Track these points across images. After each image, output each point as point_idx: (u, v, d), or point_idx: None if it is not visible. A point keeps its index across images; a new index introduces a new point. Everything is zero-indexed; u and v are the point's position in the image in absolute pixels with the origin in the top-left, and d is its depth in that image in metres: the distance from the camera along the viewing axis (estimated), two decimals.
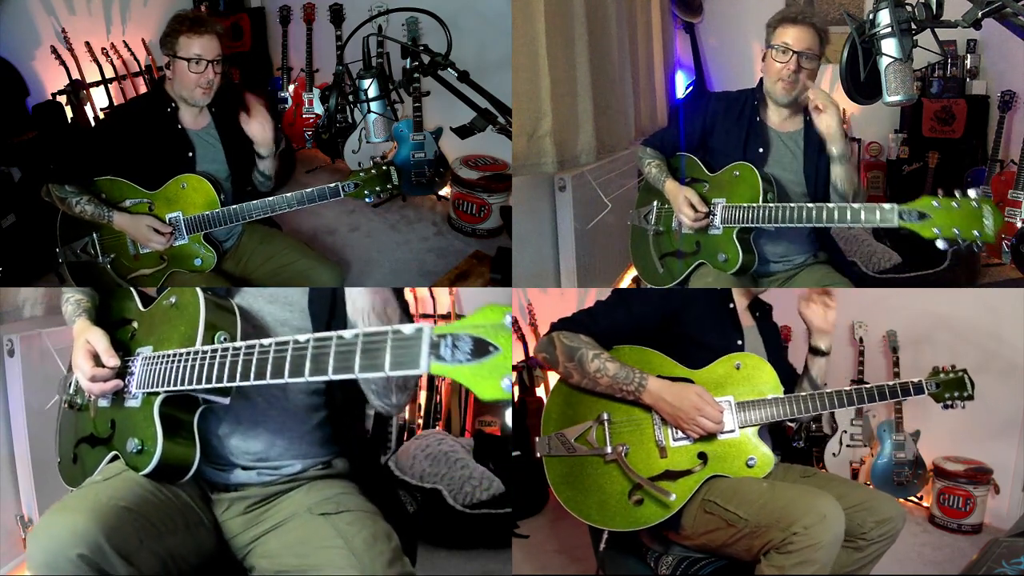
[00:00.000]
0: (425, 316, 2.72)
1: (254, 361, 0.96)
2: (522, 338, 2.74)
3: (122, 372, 1.18)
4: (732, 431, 1.39)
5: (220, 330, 1.13)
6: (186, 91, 1.73)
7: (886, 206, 1.45)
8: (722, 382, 1.42)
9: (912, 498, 2.52)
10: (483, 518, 2.25)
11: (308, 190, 1.69)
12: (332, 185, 1.69)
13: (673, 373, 1.42)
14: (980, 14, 1.23)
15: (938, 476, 2.42)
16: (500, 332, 0.76)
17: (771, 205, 1.62)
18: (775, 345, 1.58)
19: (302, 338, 0.90)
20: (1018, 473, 2.39)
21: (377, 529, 1.12)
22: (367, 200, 1.68)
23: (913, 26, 1.29)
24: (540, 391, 2.71)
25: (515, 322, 2.76)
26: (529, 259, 2.29)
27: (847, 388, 1.44)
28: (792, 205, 1.59)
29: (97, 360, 1.18)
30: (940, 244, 1.41)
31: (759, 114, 1.75)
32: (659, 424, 1.41)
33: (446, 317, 2.72)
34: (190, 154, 1.78)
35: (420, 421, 2.68)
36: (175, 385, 1.07)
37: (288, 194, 1.70)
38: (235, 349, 0.99)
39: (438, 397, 2.70)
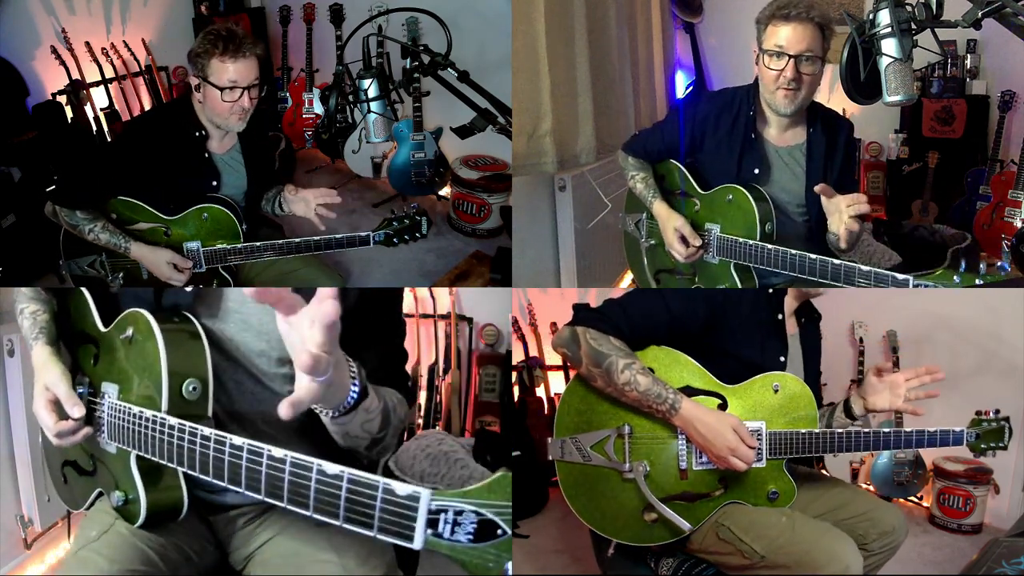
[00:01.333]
0: (425, 316, 2.72)
1: (226, 463, 0.84)
2: (522, 338, 2.74)
3: (91, 412, 1.08)
4: (759, 461, 1.31)
5: (187, 377, 1.00)
6: (219, 118, 1.62)
7: (900, 277, 1.30)
8: (756, 406, 1.32)
9: (912, 498, 2.52)
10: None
11: (338, 236, 1.65)
12: (364, 234, 1.66)
13: (704, 385, 1.33)
14: (980, 14, 1.22)
15: (938, 476, 2.42)
16: (506, 513, 0.68)
17: (772, 248, 1.46)
18: (813, 359, 1.47)
19: (277, 453, 0.80)
20: (1018, 473, 2.39)
21: (372, 542, 1.10)
22: (394, 245, 1.65)
23: (913, 26, 1.28)
24: (540, 391, 2.72)
25: (515, 322, 2.75)
26: (529, 259, 2.29)
27: (884, 430, 1.35)
28: (795, 253, 1.43)
29: (60, 408, 1.06)
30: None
31: (755, 127, 1.54)
32: (684, 446, 1.32)
33: (446, 317, 2.72)
34: (215, 183, 1.70)
35: (420, 421, 2.68)
36: (146, 454, 0.99)
37: (315, 237, 1.66)
38: (204, 439, 0.88)
39: (438, 397, 2.70)
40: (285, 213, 1.83)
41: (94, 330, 1.14)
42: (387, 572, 1.08)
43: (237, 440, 0.85)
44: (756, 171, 1.56)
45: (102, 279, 1.74)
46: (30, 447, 1.83)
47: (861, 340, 2.61)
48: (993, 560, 1.42)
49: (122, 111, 2.85)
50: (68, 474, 1.22)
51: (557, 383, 2.77)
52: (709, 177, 1.62)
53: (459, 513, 0.68)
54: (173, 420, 0.94)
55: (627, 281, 2.76)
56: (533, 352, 2.75)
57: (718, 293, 1.47)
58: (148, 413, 0.98)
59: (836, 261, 1.38)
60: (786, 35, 1.44)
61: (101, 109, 2.78)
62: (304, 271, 1.84)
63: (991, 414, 1.42)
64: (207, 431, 0.89)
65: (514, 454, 2.46)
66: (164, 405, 1.00)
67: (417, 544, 0.69)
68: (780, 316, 1.40)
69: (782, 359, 1.38)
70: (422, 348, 2.69)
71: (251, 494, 0.82)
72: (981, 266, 1.28)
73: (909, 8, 1.28)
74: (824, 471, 2.55)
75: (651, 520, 1.32)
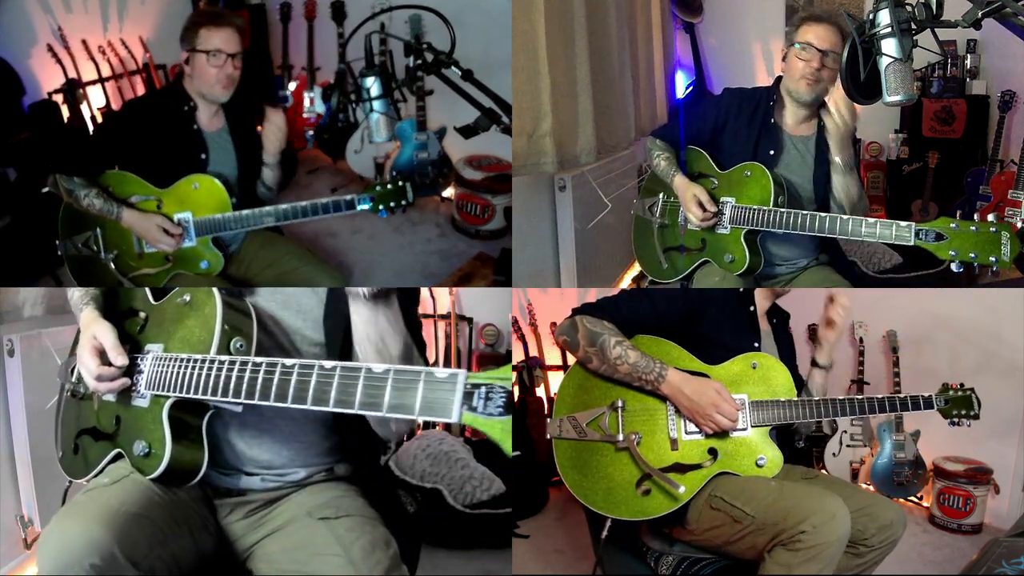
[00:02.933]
0: (425, 316, 2.72)
1: (275, 382, 0.92)
2: (522, 338, 2.74)
3: (130, 369, 1.14)
4: (744, 429, 1.40)
5: (236, 335, 1.08)
6: (206, 87, 1.71)
7: (902, 224, 1.44)
8: (737, 380, 1.43)
9: (912, 498, 2.52)
10: (483, 518, 2.25)
11: (323, 201, 1.67)
12: (348, 198, 1.67)
13: (690, 367, 1.42)
14: (980, 14, 1.22)
15: (938, 476, 2.42)
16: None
17: (783, 211, 1.61)
18: (788, 354, 1.59)
19: (328, 365, 0.88)
20: (1018, 473, 2.39)
21: (376, 536, 1.11)
22: (381, 215, 1.67)
23: (913, 26, 1.28)
24: (540, 391, 2.71)
25: (515, 322, 2.75)
26: (529, 259, 2.29)
27: (858, 396, 1.47)
28: (805, 213, 1.58)
29: (104, 357, 1.13)
30: (954, 267, 1.41)
31: (773, 115, 1.74)
32: (673, 416, 1.41)
33: (446, 317, 2.72)
34: (203, 156, 1.76)
35: (421, 421, 2.68)
36: (188, 393, 1.04)
37: (302, 203, 1.68)
38: (255, 365, 0.96)
39: None
40: (270, 183, 1.88)
41: (145, 305, 1.22)
42: (391, 566, 1.08)
43: (289, 361, 0.92)
44: (771, 152, 1.72)
45: (96, 256, 1.77)
46: (30, 447, 1.83)
47: (861, 340, 2.62)
48: (993, 560, 1.43)
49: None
50: (83, 442, 1.24)
51: (557, 383, 2.77)
52: (727, 157, 1.77)
53: (490, 388, 0.77)
54: (223, 356, 1.02)
55: (627, 281, 2.76)
56: (533, 352, 2.75)
57: (694, 291, 1.69)
58: (197, 356, 1.05)
59: (844, 217, 1.54)
60: (817, 33, 1.64)
61: (98, 108, 2.77)
62: (304, 270, 1.84)
63: (957, 387, 1.53)
64: (258, 359, 0.96)
65: (514, 454, 2.45)
66: (213, 352, 1.06)
67: (454, 417, 0.77)
68: (752, 308, 1.53)
69: (756, 345, 1.50)
70: None
71: (296, 406, 0.89)
72: (975, 216, 1.41)
73: (909, 8, 1.28)
74: (824, 471, 2.56)
75: (644, 492, 1.36)
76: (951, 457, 2.44)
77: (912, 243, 1.43)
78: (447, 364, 2.70)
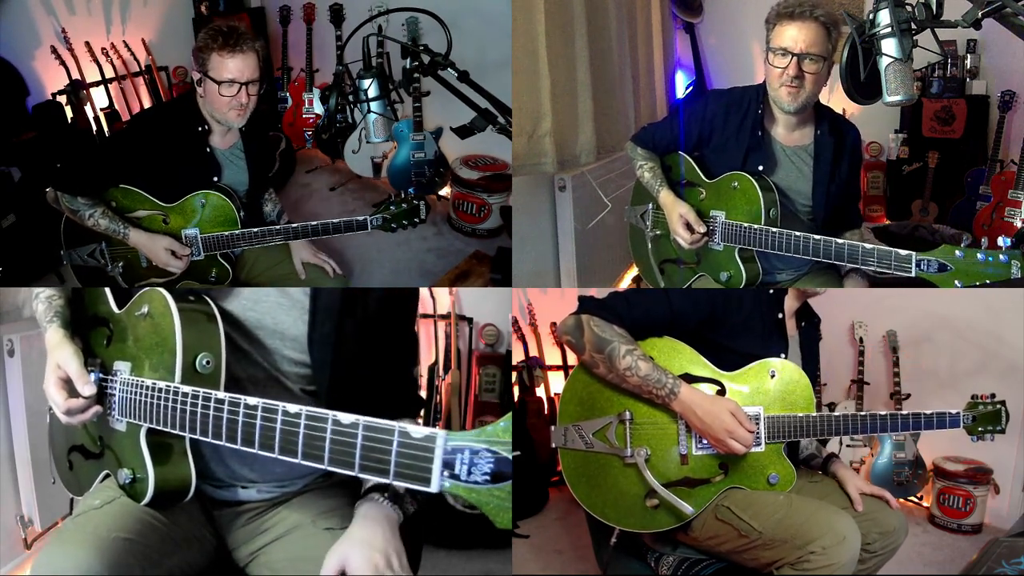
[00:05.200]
0: (425, 316, 2.72)
1: (239, 424, 0.85)
2: (522, 338, 2.74)
3: (101, 391, 1.09)
4: (758, 445, 1.33)
5: (201, 351, 1.01)
6: (218, 113, 1.65)
7: (903, 252, 1.36)
8: (754, 391, 1.35)
9: (912, 498, 2.52)
10: (483, 518, 2.23)
11: (335, 221, 1.67)
12: (361, 218, 1.67)
13: (703, 372, 1.36)
14: (980, 14, 1.22)
15: (938, 476, 2.42)
16: (509, 452, 0.68)
17: (776, 231, 1.51)
18: (812, 361, 1.49)
19: (292, 409, 0.80)
20: (1018, 473, 2.38)
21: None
22: (392, 231, 1.66)
23: (913, 26, 1.27)
24: (540, 391, 2.72)
25: (515, 322, 2.75)
26: (529, 259, 2.29)
27: (882, 412, 1.39)
28: (799, 235, 1.48)
29: (70, 386, 1.08)
30: (957, 283, 1.33)
31: (762, 125, 1.58)
32: (684, 431, 1.34)
33: (446, 317, 2.72)
34: (216, 178, 1.73)
35: (420, 420, 2.68)
36: (157, 425, 0.99)
37: (312, 223, 1.67)
38: (218, 402, 0.88)
39: (438, 397, 2.70)
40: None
41: (108, 312, 1.15)
42: None
43: (251, 400, 0.84)
44: (761, 167, 1.59)
45: (102, 268, 1.76)
46: (30, 447, 1.83)
47: (861, 340, 2.61)
48: (993, 560, 1.42)
49: (122, 111, 2.85)
50: (74, 460, 1.22)
51: (557, 383, 2.77)
52: (715, 170, 1.65)
53: (475, 453, 0.67)
54: (186, 388, 0.95)
55: (627, 281, 2.76)
56: (533, 352, 2.75)
57: (719, 293, 1.48)
58: (161, 384, 0.99)
59: (839, 241, 1.43)
60: (791, 35, 1.47)
61: (101, 109, 2.78)
62: (307, 272, 1.84)
63: (987, 398, 1.44)
64: (221, 394, 0.89)
65: (514, 454, 2.45)
66: (177, 378, 1.00)
67: (434, 487, 0.69)
68: (780, 315, 1.43)
69: (783, 356, 1.40)
70: (422, 348, 2.69)
71: (264, 452, 0.83)
72: (983, 242, 1.33)
73: (909, 8, 1.28)
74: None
75: (652, 506, 1.34)
76: (951, 457, 2.43)
77: (913, 274, 1.34)
78: (447, 364, 2.70)
